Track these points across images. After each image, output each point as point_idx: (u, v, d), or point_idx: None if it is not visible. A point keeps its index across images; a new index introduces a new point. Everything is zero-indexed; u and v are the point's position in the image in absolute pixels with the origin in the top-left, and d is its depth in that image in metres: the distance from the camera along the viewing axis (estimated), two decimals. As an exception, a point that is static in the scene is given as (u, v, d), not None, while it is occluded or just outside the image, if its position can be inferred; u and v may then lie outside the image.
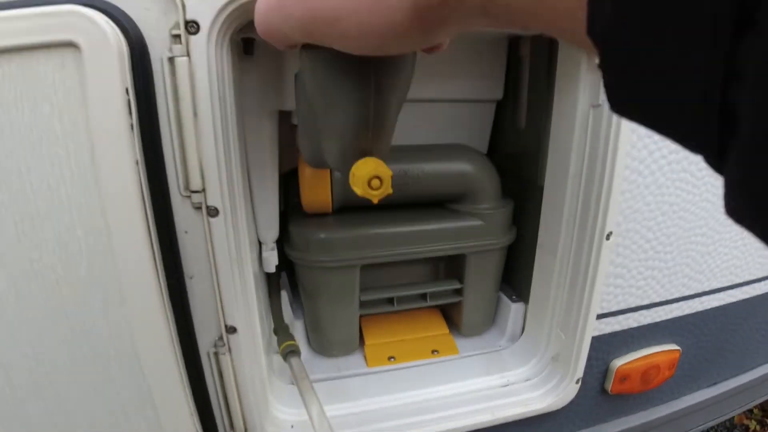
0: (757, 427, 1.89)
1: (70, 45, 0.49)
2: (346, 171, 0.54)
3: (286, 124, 0.85)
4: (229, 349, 0.68)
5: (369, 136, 0.49)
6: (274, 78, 0.78)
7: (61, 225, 0.53)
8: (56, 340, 0.58)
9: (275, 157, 0.83)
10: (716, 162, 0.18)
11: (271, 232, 0.87)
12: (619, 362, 0.94)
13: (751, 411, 1.92)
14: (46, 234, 0.54)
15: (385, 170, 0.45)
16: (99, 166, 0.51)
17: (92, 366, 0.61)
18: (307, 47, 0.46)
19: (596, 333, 0.88)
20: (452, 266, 1.01)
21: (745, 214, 0.17)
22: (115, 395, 0.63)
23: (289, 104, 0.78)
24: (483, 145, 1.04)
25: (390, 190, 0.46)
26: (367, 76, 0.44)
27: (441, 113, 0.97)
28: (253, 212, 0.84)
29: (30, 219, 0.53)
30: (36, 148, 0.51)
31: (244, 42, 0.73)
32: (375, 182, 0.45)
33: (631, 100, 0.20)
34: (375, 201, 0.46)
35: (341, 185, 0.86)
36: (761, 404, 1.81)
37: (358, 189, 0.46)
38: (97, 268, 0.56)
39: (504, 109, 1.02)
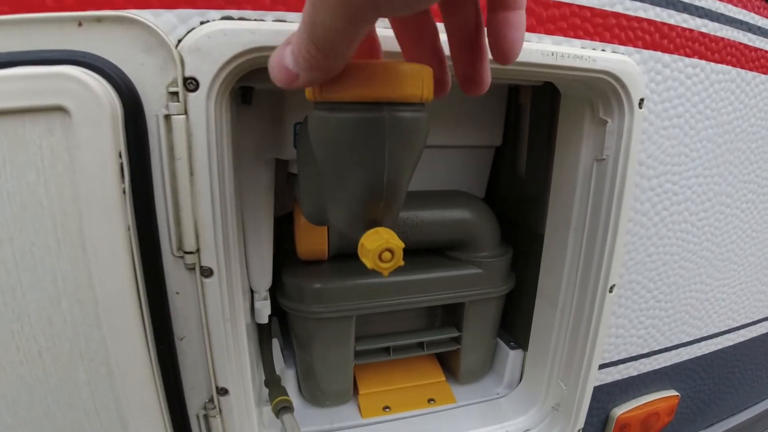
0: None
1: (59, 109, 0.46)
2: (353, 237, 0.51)
3: (281, 169, 0.83)
4: (220, 411, 0.65)
5: (381, 207, 0.47)
6: (272, 126, 0.76)
7: (44, 296, 0.50)
8: (39, 414, 0.55)
9: (270, 204, 0.80)
10: None
11: (263, 280, 0.84)
12: (619, 411, 0.93)
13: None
14: (29, 306, 0.50)
15: (397, 242, 0.43)
16: (87, 235, 0.48)
17: (76, 439, 0.57)
18: (318, 107, 0.44)
19: (597, 383, 0.87)
20: (450, 313, 0.99)
21: None
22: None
23: (287, 153, 0.76)
24: (480, 191, 1.02)
25: (401, 263, 0.44)
26: (381, 139, 0.42)
27: (439, 159, 0.95)
28: (246, 260, 0.81)
29: (11, 290, 0.49)
30: (20, 217, 0.48)
31: (243, 91, 0.70)
32: (386, 255, 0.43)
33: None
34: (385, 275, 0.44)
35: (338, 233, 0.83)
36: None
37: (368, 262, 0.44)
38: (83, 339, 0.52)
39: (503, 155, 1.01)
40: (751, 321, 1.08)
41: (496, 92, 0.92)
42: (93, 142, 0.46)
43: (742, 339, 1.08)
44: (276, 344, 0.93)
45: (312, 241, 0.82)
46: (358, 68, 0.40)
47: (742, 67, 0.80)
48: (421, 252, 0.93)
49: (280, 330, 1.02)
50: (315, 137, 0.46)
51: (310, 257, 0.85)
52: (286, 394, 0.80)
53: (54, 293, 0.50)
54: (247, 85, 0.70)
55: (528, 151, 0.92)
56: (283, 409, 0.77)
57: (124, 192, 0.49)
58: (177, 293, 0.58)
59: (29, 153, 0.46)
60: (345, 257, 0.88)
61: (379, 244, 0.43)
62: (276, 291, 0.87)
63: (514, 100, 0.93)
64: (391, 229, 0.46)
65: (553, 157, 0.82)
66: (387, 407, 0.93)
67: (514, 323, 1.02)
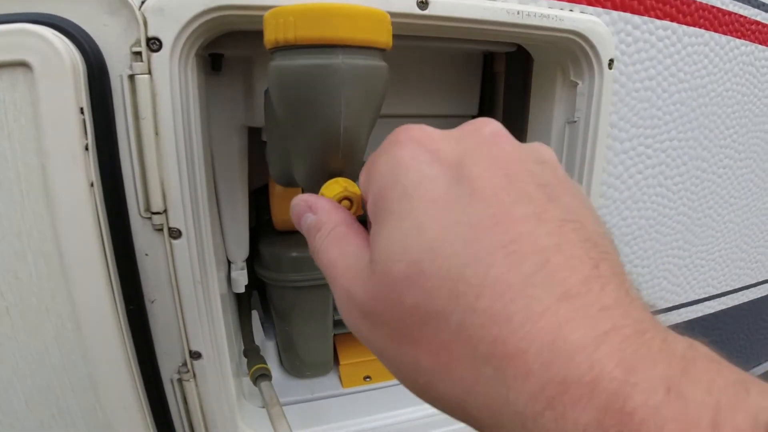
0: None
1: (22, 65, 0.46)
2: (315, 191, 0.52)
3: (256, 141, 0.83)
4: (194, 375, 0.65)
5: (339, 157, 0.47)
6: (242, 94, 0.75)
7: (10, 250, 0.50)
8: (7, 370, 0.55)
9: (245, 173, 0.80)
10: None
11: (240, 250, 0.84)
12: (598, 377, 0.93)
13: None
14: (-6, 260, 0.51)
15: (355, 190, 0.44)
16: (51, 189, 0.49)
17: (46, 398, 0.57)
18: (274, 59, 0.44)
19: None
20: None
21: None
22: (71, 426, 0.59)
23: (259, 120, 0.76)
24: None
25: (361, 211, 0.44)
26: (336, 87, 0.42)
27: None
28: (222, 231, 0.81)
29: (-23, 246, 0.50)
30: (-16, 171, 0.48)
31: (212, 58, 0.70)
32: (345, 203, 0.43)
33: None
34: None
35: (314, 202, 0.83)
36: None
37: None
38: (49, 294, 0.53)
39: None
40: (731, 289, 1.08)
41: (471, 60, 0.92)
42: (54, 97, 0.47)
43: (723, 307, 1.08)
44: (255, 316, 0.93)
45: (287, 208, 0.82)
46: (312, 10, 0.40)
47: (716, 31, 0.80)
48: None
49: (261, 305, 1.02)
50: (273, 89, 0.46)
51: (286, 227, 0.85)
52: (265, 363, 0.80)
53: (19, 247, 0.50)
54: (217, 52, 0.70)
55: (503, 119, 0.92)
56: (260, 377, 0.78)
57: (86, 148, 0.49)
58: (146, 255, 0.58)
59: (-8, 108, 0.47)
60: (322, 227, 0.88)
61: (338, 192, 0.43)
62: (254, 262, 0.87)
63: (489, 69, 0.93)
64: (351, 180, 0.46)
65: (527, 123, 0.82)
66: (368, 377, 0.93)
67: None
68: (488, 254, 0.24)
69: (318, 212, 0.38)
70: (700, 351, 0.22)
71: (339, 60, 0.42)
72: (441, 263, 0.25)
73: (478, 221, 0.25)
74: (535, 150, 0.31)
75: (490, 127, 0.31)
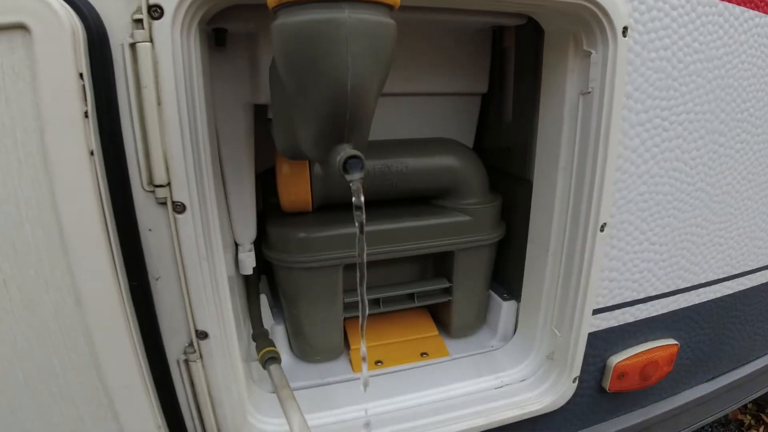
0: (752, 422, 1.86)
1: (20, 27, 0.45)
2: (321, 160, 0.50)
3: (262, 121, 0.81)
4: (201, 356, 0.64)
5: (347, 120, 0.45)
6: (247, 70, 0.74)
7: (8, 220, 0.49)
8: (5, 347, 0.53)
9: (251, 152, 0.79)
10: None
11: (247, 232, 0.83)
12: (616, 359, 0.91)
13: (745, 406, 1.90)
14: (-9, 231, 0.49)
15: None
16: (49, 156, 0.47)
17: (45, 375, 0.56)
18: (278, 18, 0.43)
19: (592, 329, 0.85)
20: (440, 264, 0.97)
21: None
22: (72, 408, 0.58)
23: (264, 97, 0.74)
24: (469, 140, 1.01)
25: None
26: (342, 44, 0.41)
27: (425, 107, 0.93)
28: (228, 212, 0.79)
29: (-27, 215, 0.48)
30: (-21, 137, 0.46)
31: (216, 33, 0.69)
32: None
33: None
34: None
35: (321, 181, 0.82)
36: (755, 399, 1.79)
37: None
38: (48, 266, 0.51)
39: (490, 103, 0.99)
40: (750, 269, 1.05)
41: (480, 37, 0.90)
42: (53, 60, 0.45)
43: (741, 288, 1.05)
44: (264, 301, 0.91)
45: (294, 190, 0.81)
46: None
47: (730, 1, 0.78)
48: (408, 201, 0.92)
49: (270, 290, 1.00)
50: (277, 50, 0.45)
51: (294, 208, 0.84)
52: (274, 346, 0.78)
53: (17, 217, 0.49)
54: (221, 27, 0.68)
55: (514, 97, 0.91)
56: (270, 360, 0.76)
57: (86, 115, 0.48)
58: (149, 230, 0.56)
59: (-12, 71, 0.45)
60: (330, 208, 0.87)
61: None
62: (261, 244, 0.86)
63: (498, 45, 0.92)
64: (359, 152, 0.45)
65: (539, 100, 0.80)
66: (379, 362, 0.92)
67: (507, 275, 1.00)
68: None
69: None
70: None
71: (345, 14, 0.40)
72: None
73: None
74: None
75: None
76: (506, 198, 0.93)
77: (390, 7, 0.43)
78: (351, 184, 0.46)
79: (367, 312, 0.90)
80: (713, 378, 1.16)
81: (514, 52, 0.88)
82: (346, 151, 0.44)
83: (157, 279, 0.58)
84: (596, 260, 0.77)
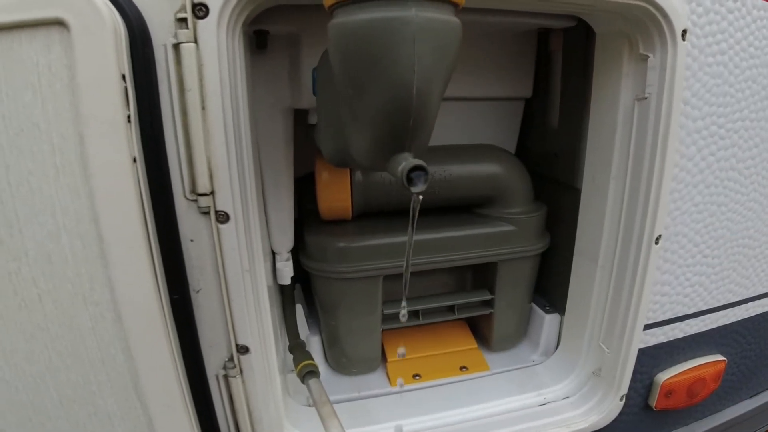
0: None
1: (58, 23, 0.42)
2: (377, 169, 0.47)
3: (300, 126, 0.79)
4: (241, 371, 0.61)
5: (410, 125, 0.42)
6: (288, 73, 0.72)
7: (44, 232, 0.46)
8: (39, 365, 0.51)
9: (290, 158, 0.76)
10: None
11: (285, 240, 0.80)
12: (664, 376, 0.87)
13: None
14: (27, 242, 0.46)
15: None
16: (89, 163, 0.44)
17: (82, 395, 0.53)
18: (336, 17, 0.40)
19: (642, 345, 0.81)
20: (481, 275, 0.94)
21: None
22: (108, 426, 0.55)
23: (305, 102, 0.72)
24: (511, 146, 0.98)
25: None
26: (409, 44, 0.38)
27: (467, 112, 0.91)
28: (266, 219, 0.77)
29: (8, 225, 0.46)
30: (15, 143, 0.44)
31: (257, 35, 0.66)
32: None
33: None
34: None
35: (362, 189, 0.79)
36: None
37: None
38: (86, 280, 0.48)
39: (534, 108, 0.96)
40: (798, 282, 1.02)
41: (525, 40, 0.87)
42: (94, 60, 0.43)
43: (792, 303, 1.02)
44: (300, 310, 0.89)
45: (334, 197, 0.78)
46: None
47: (786, 4, 0.74)
48: (451, 210, 0.89)
49: (305, 300, 0.98)
50: (333, 51, 0.42)
51: (333, 216, 0.81)
52: (312, 359, 0.76)
53: (53, 227, 0.46)
54: (262, 29, 0.66)
55: (561, 102, 0.87)
56: (308, 373, 0.73)
57: (129, 119, 0.45)
58: (191, 241, 0.54)
59: (25, 71, 0.43)
60: (370, 216, 0.84)
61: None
62: (299, 253, 0.83)
63: (543, 48, 0.88)
64: (420, 160, 0.42)
65: (589, 105, 0.77)
66: (417, 375, 0.89)
67: (549, 286, 0.96)
68: None
69: None
70: None
71: (412, 12, 0.37)
72: None
73: None
74: None
75: None
76: (551, 206, 0.90)
77: (456, 6, 0.41)
78: (412, 197, 0.43)
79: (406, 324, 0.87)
80: (757, 394, 1.12)
81: (561, 56, 0.85)
82: (408, 161, 0.41)
83: (197, 291, 0.56)
84: (650, 274, 0.73)
